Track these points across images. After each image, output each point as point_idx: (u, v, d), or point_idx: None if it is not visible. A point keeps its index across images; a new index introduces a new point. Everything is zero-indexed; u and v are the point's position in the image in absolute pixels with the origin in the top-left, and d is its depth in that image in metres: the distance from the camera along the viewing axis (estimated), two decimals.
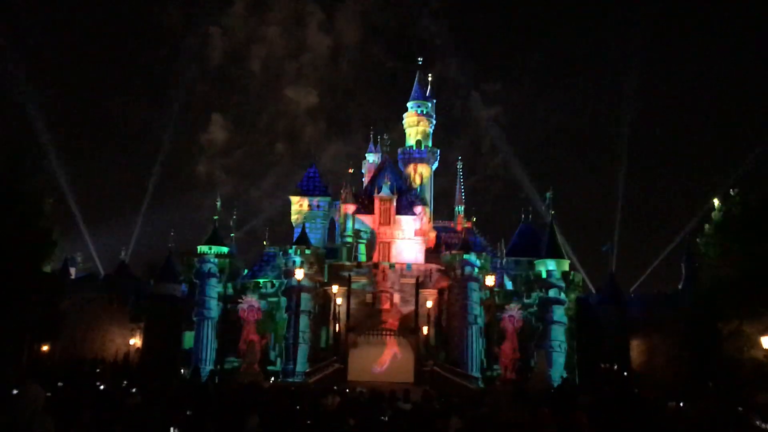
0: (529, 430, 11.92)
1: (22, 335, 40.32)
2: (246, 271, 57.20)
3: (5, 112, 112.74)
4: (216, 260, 52.02)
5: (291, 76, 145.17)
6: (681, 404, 21.24)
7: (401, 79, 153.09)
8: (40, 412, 7.05)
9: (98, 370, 38.25)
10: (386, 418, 13.85)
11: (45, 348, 52.64)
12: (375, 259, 53.34)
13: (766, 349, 28.71)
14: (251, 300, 51.82)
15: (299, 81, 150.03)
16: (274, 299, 51.98)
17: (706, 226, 42.28)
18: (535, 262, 54.11)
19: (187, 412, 13.20)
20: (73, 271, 64.39)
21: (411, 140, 60.77)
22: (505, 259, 58.58)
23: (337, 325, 49.73)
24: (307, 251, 50.32)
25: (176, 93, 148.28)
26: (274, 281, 52.77)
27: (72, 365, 40.66)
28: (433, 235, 57.47)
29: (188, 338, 51.49)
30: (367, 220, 54.82)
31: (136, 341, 58.75)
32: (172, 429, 10.27)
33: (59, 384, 20.78)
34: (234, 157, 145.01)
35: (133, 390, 18.41)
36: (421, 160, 59.69)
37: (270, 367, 49.10)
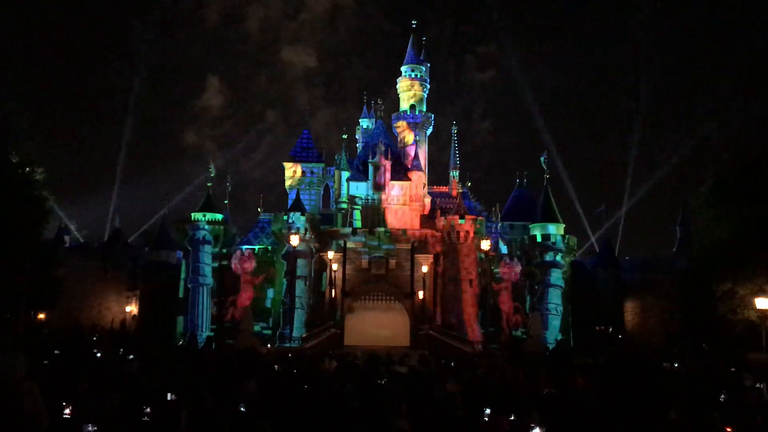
0: (525, 391, 11.99)
1: (17, 303, 40.26)
2: (240, 238, 57.13)
3: None
4: (210, 227, 51.90)
5: (288, 38, 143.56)
6: (675, 365, 21.41)
7: (397, 44, 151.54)
8: (25, 380, 6.96)
9: (95, 338, 38.31)
10: (383, 382, 13.89)
11: (42, 316, 52.74)
12: (370, 224, 53.35)
13: (759, 310, 28.89)
14: (246, 265, 51.75)
15: (296, 43, 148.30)
16: (270, 264, 52.11)
17: (701, 188, 42.31)
18: (530, 226, 54.15)
19: (184, 379, 13.21)
20: (67, 239, 64.17)
21: (405, 105, 60.25)
22: (500, 224, 58.67)
23: (333, 290, 49.88)
24: (302, 217, 50.22)
25: (168, 57, 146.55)
26: (269, 247, 52.77)
27: (69, 333, 40.70)
28: (427, 200, 57.40)
29: (180, 324, 51.32)
30: (361, 186, 54.69)
31: (132, 308, 58.90)
32: (169, 395, 10.25)
33: (56, 352, 20.79)
34: (226, 125, 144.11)
35: (130, 357, 18.44)
36: (415, 125, 59.26)
37: (265, 332, 49.18)
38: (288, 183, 60.31)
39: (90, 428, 8.28)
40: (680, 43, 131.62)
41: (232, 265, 51.65)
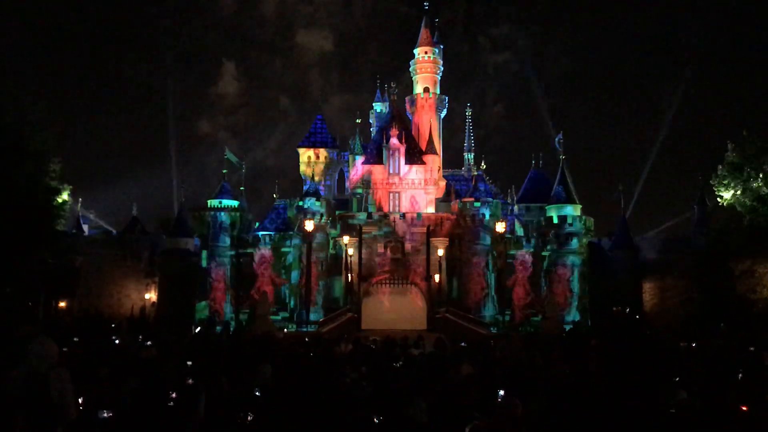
0: (541, 373, 11.98)
1: (37, 292, 40.78)
2: (257, 224, 57.36)
3: (7, 73, 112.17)
4: (226, 214, 52.22)
5: (304, 21, 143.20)
6: (693, 345, 21.30)
7: (412, 26, 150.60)
8: (56, 365, 7.07)
9: (113, 325, 38.74)
10: (399, 365, 13.94)
11: (62, 304, 53.39)
12: (385, 209, 53.33)
13: None
14: (263, 251, 52.22)
15: (312, 26, 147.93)
16: (287, 250, 52.39)
17: (719, 167, 41.83)
18: (546, 207, 53.89)
19: (201, 364, 13.34)
20: (86, 228, 64.73)
21: (418, 88, 59.92)
22: (516, 206, 58.44)
23: (350, 275, 50.00)
24: (317, 203, 50.32)
25: (186, 44, 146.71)
26: (285, 233, 52.98)
27: (89, 321, 41.20)
28: (443, 183, 57.20)
29: (199, 310, 51.81)
30: (376, 170, 54.53)
31: (151, 296, 59.41)
32: (187, 380, 10.34)
33: (75, 339, 21.06)
34: (241, 112, 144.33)
35: (148, 343, 18.63)
36: (429, 108, 58.96)
37: (282, 314, 49.53)
38: (303, 169, 60.39)
39: (105, 414, 8.38)
40: (696, 23, 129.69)
41: (250, 252, 52.07)
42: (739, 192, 39.59)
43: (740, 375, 12.63)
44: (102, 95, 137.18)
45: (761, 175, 38.13)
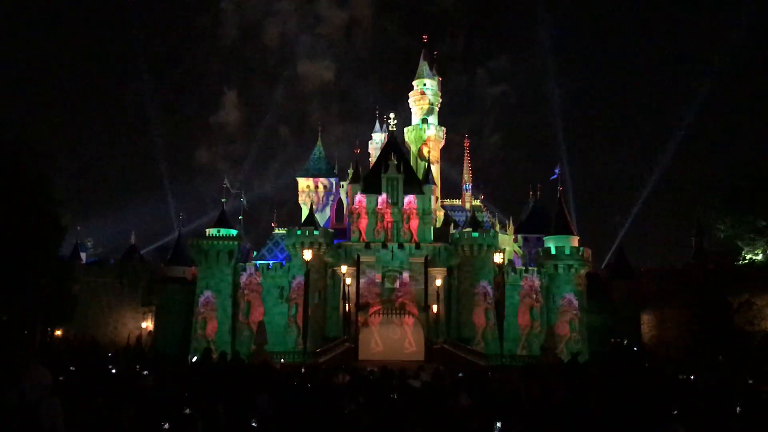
0: (539, 405, 11.93)
1: (33, 319, 40.57)
2: (255, 252, 57.35)
3: (9, 100, 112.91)
4: (224, 242, 52.22)
5: (305, 51, 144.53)
6: (692, 377, 21.22)
7: (411, 58, 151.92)
8: (47, 394, 7.04)
9: (110, 354, 38.48)
10: (396, 396, 13.87)
11: (58, 332, 53.05)
12: (383, 238, 53.29)
13: None
14: (261, 279, 52.15)
15: (314, 56, 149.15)
16: (285, 278, 52.29)
17: (715, 198, 42.07)
18: (544, 238, 54.01)
19: (198, 393, 13.27)
20: (83, 255, 64.63)
21: (417, 119, 60.37)
22: (514, 236, 58.54)
23: (347, 305, 49.81)
24: (315, 232, 50.32)
25: (188, 72, 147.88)
26: (283, 262, 52.94)
27: (85, 349, 40.92)
28: (441, 213, 57.33)
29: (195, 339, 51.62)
30: (374, 199, 54.54)
31: (148, 324, 59.11)
32: (184, 410, 10.30)
33: (71, 368, 20.92)
34: (240, 140, 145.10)
35: (145, 373, 18.52)
36: (428, 139, 59.31)
37: (280, 347, 49.25)
38: (301, 198, 60.58)
39: None
40: (691, 54, 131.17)
41: (248, 282, 51.96)
42: (736, 225, 39.75)
43: (738, 408, 12.58)
44: (100, 122, 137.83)
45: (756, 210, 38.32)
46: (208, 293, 51.71)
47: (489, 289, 50.31)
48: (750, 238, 38.67)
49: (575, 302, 51.38)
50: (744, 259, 38.62)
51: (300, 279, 50.26)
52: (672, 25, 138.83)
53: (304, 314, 48.94)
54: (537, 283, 52.32)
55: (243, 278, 52.58)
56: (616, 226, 62.00)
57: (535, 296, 52.31)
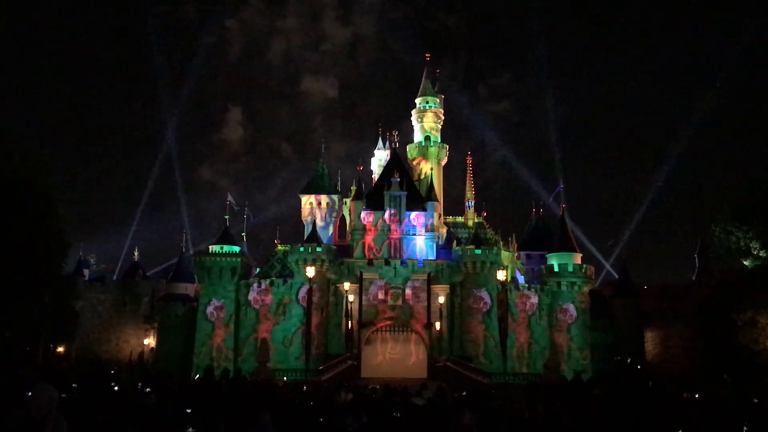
0: (542, 423, 11.88)
1: (36, 336, 40.54)
2: (258, 269, 57.30)
3: (14, 117, 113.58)
4: (227, 260, 52.22)
5: (309, 69, 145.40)
6: (696, 395, 21.10)
7: (415, 75, 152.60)
8: (53, 412, 7.03)
9: (112, 371, 38.41)
10: (399, 414, 13.82)
11: (60, 349, 53.00)
12: (386, 255, 53.20)
13: None
14: (264, 296, 52.03)
15: (318, 74, 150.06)
16: (288, 295, 52.13)
17: (718, 216, 41.95)
18: (547, 255, 53.97)
19: (201, 411, 13.23)
20: (86, 272, 64.68)
21: (419, 136, 60.59)
22: (516, 253, 58.47)
23: (350, 321, 49.64)
24: (318, 249, 50.31)
25: (192, 90, 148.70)
26: (286, 279, 52.87)
27: (87, 366, 40.88)
28: (444, 230, 57.28)
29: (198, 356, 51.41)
30: (377, 216, 54.49)
31: (150, 341, 59.03)
32: (186, 428, 10.29)
33: (74, 385, 20.87)
34: (244, 158, 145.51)
35: (148, 390, 18.47)
36: (431, 156, 59.49)
37: (282, 364, 49.10)
38: (304, 215, 60.62)
39: None
40: (690, 71, 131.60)
41: (251, 299, 51.86)
42: (740, 242, 39.64)
43: (745, 427, 12.52)
44: (103, 140, 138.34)
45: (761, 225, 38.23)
46: (210, 310, 51.60)
47: (492, 305, 50.02)
48: (755, 255, 38.61)
49: (578, 319, 51.21)
50: (747, 275, 38.49)
51: (303, 295, 50.15)
52: (670, 43, 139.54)
53: (307, 331, 48.83)
54: (539, 300, 52.17)
55: (245, 295, 52.47)
56: (612, 247, 61.98)
57: (538, 313, 52.14)
